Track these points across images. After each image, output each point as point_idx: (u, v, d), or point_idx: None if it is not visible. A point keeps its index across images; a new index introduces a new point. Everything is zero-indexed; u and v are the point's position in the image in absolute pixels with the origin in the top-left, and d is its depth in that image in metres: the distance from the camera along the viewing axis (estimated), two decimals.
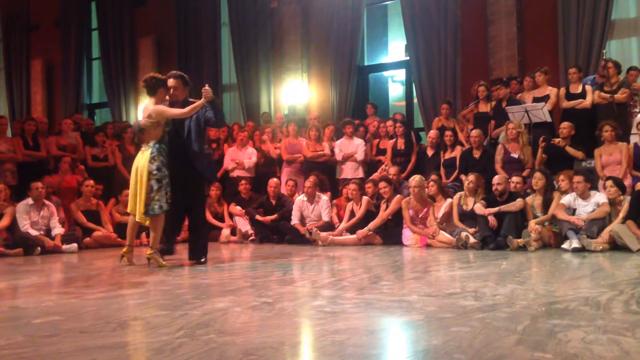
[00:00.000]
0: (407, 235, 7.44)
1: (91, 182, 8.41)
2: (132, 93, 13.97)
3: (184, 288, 4.33)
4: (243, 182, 9.04)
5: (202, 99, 5.56)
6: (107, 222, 8.38)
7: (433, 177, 7.68)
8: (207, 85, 5.73)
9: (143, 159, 5.48)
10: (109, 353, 2.47)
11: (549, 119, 7.97)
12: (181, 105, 5.70)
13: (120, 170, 9.40)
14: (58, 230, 7.70)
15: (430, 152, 8.69)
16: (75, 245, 7.66)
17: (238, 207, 8.83)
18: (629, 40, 9.51)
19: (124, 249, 5.79)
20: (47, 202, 7.86)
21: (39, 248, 7.35)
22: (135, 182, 5.51)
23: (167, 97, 5.74)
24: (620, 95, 7.81)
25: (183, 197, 5.74)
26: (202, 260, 5.77)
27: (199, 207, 6.05)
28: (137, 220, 5.63)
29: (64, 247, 7.55)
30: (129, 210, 5.77)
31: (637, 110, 8.06)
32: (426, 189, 7.54)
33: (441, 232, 7.15)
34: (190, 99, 5.79)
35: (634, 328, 2.70)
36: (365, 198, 7.91)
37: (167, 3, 13.68)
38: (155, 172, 5.40)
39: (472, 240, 6.74)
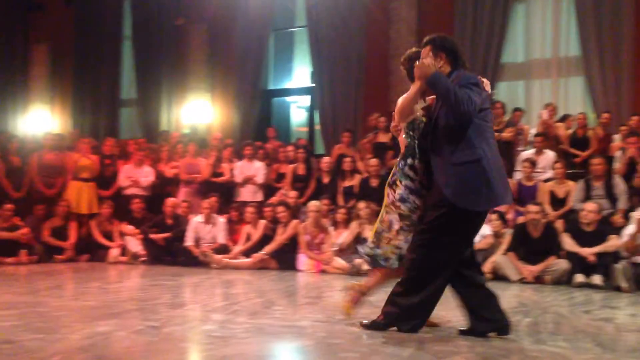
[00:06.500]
0: (303, 260, 7.46)
1: None
2: (21, 102, 13.16)
3: (63, 310, 4.08)
4: (136, 200, 8.69)
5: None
6: None
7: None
8: None
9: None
10: None
11: None
12: None
13: (2, 183, 8.78)
14: None
15: (326, 179, 8.78)
16: None
17: (130, 226, 8.48)
18: (516, 82, 10.22)
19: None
20: None
21: None
22: None
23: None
24: (506, 134, 8.33)
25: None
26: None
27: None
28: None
29: None
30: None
31: (522, 148, 8.62)
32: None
33: (336, 258, 7.24)
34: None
35: (509, 355, 2.85)
36: (262, 221, 7.87)
37: (65, 10, 13.08)
38: (398, 203, 3.53)
39: (366, 267, 6.86)
